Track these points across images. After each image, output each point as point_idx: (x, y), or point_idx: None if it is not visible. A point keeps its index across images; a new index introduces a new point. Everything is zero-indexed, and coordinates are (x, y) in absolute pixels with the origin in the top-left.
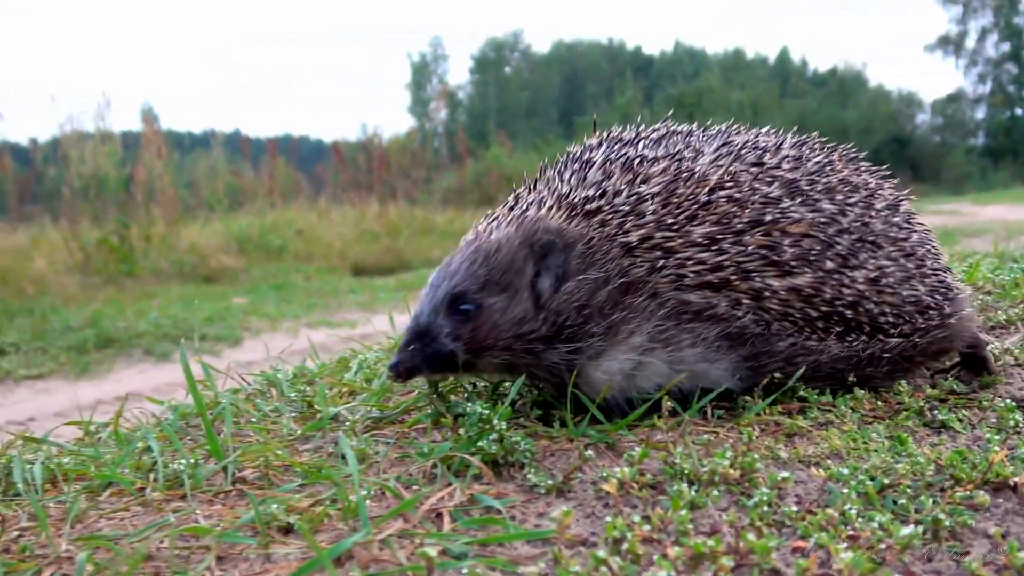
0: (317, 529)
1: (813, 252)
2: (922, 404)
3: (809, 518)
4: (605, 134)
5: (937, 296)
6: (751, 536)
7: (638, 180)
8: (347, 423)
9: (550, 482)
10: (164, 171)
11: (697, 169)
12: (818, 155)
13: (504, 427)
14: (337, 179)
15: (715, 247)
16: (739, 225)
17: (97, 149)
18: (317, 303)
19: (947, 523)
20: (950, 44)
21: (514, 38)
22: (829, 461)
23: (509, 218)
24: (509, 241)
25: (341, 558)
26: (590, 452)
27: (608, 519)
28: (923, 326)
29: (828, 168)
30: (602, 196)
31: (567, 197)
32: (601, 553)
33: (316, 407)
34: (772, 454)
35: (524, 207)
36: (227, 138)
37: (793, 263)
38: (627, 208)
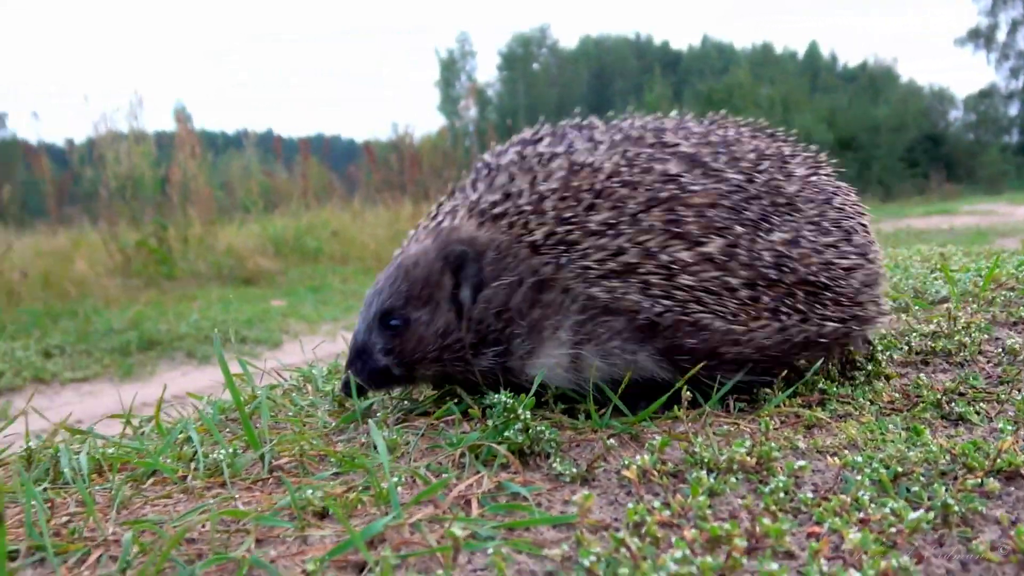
0: (351, 514)
1: (719, 220)
2: (940, 397)
3: (824, 504)
4: (514, 137)
5: (870, 281)
6: (766, 520)
7: (538, 178)
8: (379, 415)
9: (575, 470)
10: (199, 172)
11: (593, 160)
12: (727, 130)
13: (529, 417)
14: (370, 179)
15: (612, 231)
16: (633, 206)
17: (132, 149)
18: (354, 305)
19: (957, 509)
20: (980, 37)
21: (541, 33)
22: (846, 451)
23: (428, 230)
24: (426, 254)
25: (374, 540)
26: (613, 442)
27: (629, 505)
28: (860, 312)
29: (736, 140)
30: (507, 198)
31: (477, 204)
32: (621, 535)
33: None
34: (790, 444)
35: (440, 218)
36: (259, 138)
37: (698, 233)
38: (529, 208)
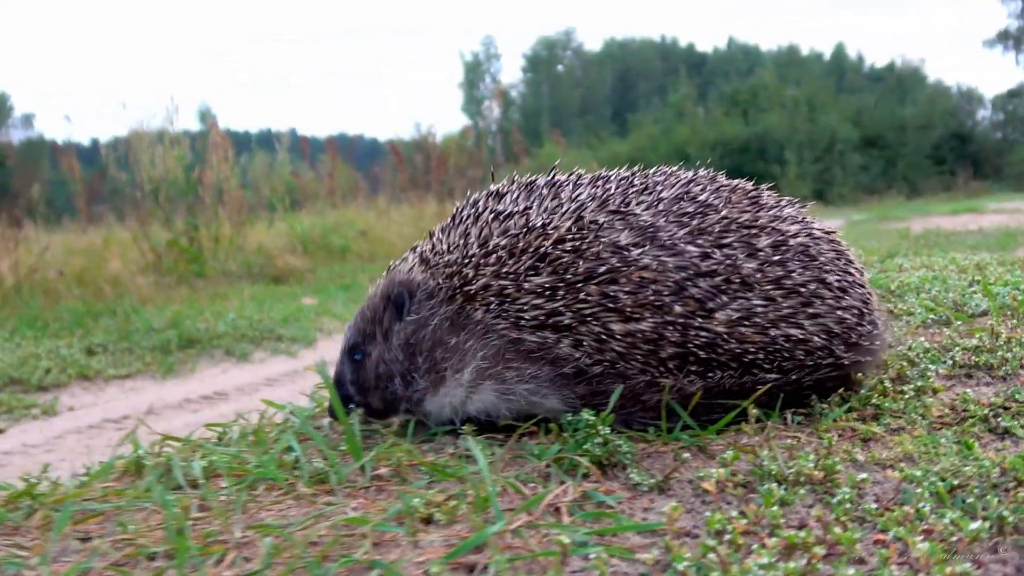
0: (453, 520)
1: (659, 298)
2: (986, 412)
3: (887, 515)
4: (484, 190)
5: (829, 336)
6: (837, 529)
7: (491, 234)
8: (464, 428)
9: (652, 481)
10: (231, 173)
11: (546, 222)
12: (708, 193)
13: (608, 432)
14: (395, 179)
15: (550, 294)
16: (573, 275)
17: (167, 152)
18: None
19: (1011, 519)
20: (1010, 39)
21: (566, 36)
22: (903, 464)
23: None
24: (375, 295)
25: (479, 546)
26: (687, 455)
27: (708, 514)
28: (810, 363)
29: (708, 208)
30: (452, 249)
31: (430, 251)
32: (709, 542)
33: None
34: (850, 457)
35: (398, 263)
36: (276, 137)
37: (632, 309)
38: (472, 260)
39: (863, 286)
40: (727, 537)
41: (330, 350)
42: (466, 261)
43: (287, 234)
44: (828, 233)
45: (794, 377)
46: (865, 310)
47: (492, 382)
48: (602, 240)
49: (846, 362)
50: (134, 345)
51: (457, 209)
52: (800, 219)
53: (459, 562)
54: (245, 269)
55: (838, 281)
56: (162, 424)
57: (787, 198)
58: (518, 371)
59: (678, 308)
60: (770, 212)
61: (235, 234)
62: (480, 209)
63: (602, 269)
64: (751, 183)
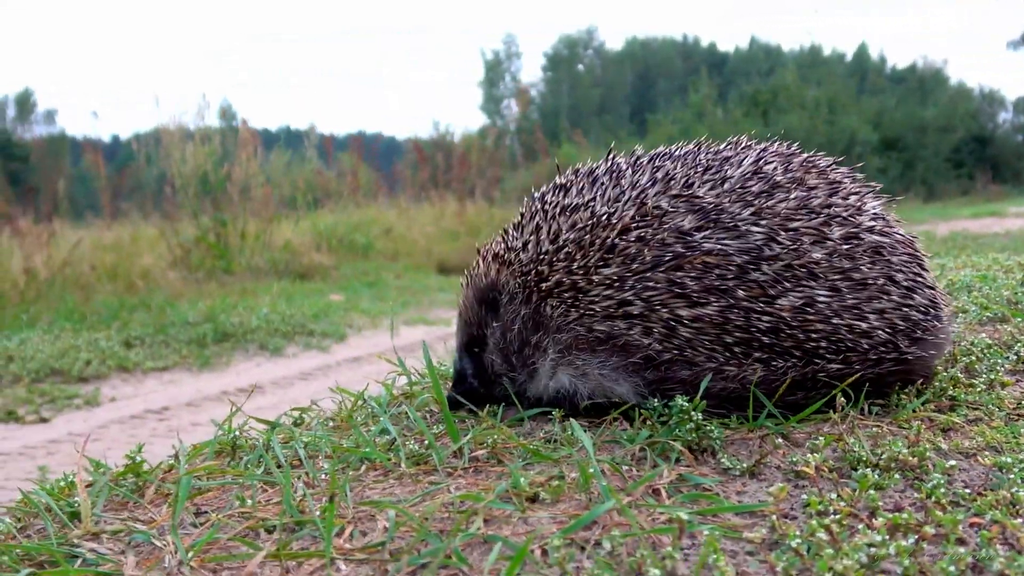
0: (558, 499)
1: (723, 282)
2: None
3: (980, 499)
4: (551, 182)
5: (894, 331)
6: (938, 512)
7: (560, 229)
8: (553, 413)
9: (743, 465)
10: (258, 170)
11: (611, 211)
12: (781, 174)
13: (700, 418)
14: (416, 177)
15: (619, 284)
16: (640, 264)
17: (197, 148)
18: (410, 300)
19: None
20: None
21: (588, 35)
22: (986, 452)
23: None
24: (469, 300)
25: (589, 523)
26: (780, 440)
27: (805, 496)
28: (874, 357)
29: (778, 188)
30: (525, 248)
31: (502, 251)
32: (814, 521)
33: None
34: (934, 445)
35: (476, 268)
36: (304, 135)
37: (697, 294)
38: (545, 257)
39: (932, 288)
40: (830, 518)
41: (361, 345)
42: (540, 258)
43: (311, 231)
44: (911, 238)
45: (857, 368)
46: (932, 309)
47: (571, 369)
48: (665, 227)
49: (910, 357)
50: (170, 338)
51: (526, 205)
52: (882, 215)
53: (571, 538)
54: (271, 265)
55: (908, 281)
56: (203, 416)
57: (873, 187)
58: (589, 360)
59: (741, 293)
60: (847, 201)
61: (262, 231)
62: (548, 204)
63: (667, 256)
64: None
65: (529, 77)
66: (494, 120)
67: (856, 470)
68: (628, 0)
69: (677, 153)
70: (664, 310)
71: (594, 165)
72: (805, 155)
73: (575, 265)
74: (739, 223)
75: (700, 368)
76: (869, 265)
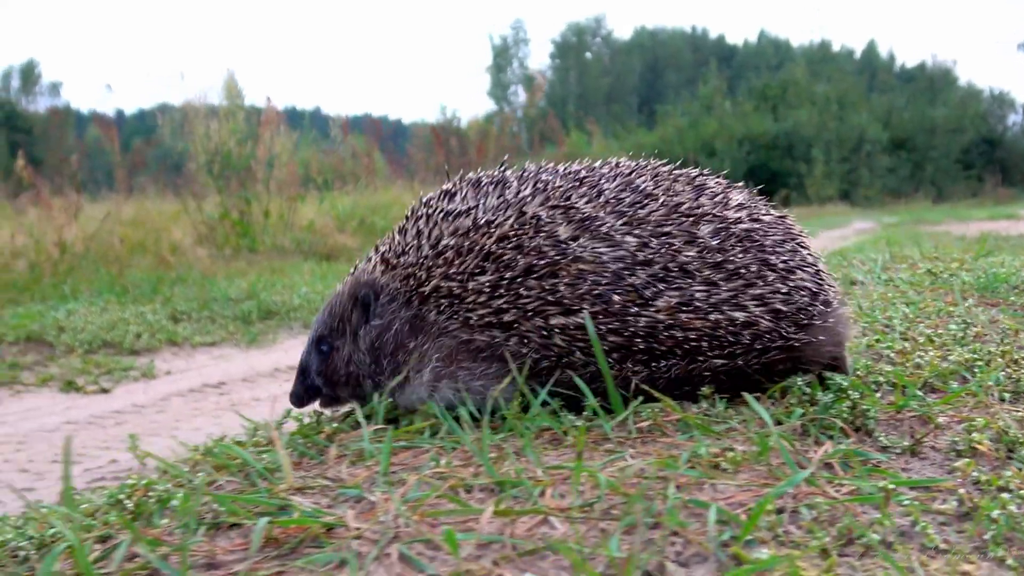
0: (738, 469)
1: (595, 287)
2: None
3: None
4: (437, 189)
5: (777, 317)
6: None
7: (441, 234)
8: (704, 389)
9: (905, 443)
10: (282, 149)
11: (491, 219)
12: (650, 183)
13: (858, 396)
14: (431, 161)
15: (493, 292)
16: (514, 272)
17: (222, 125)
18: None
19: None
20: None
21: (596, 23)
22: None
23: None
24: (342, 293)
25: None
26: (942, 419)
27: (975, 473)
28: (758, 347)
29: (648, 198)
30: (406, 252)
31: (387, 252)
32: (1005, 496)
33: None
34: None
35: (362, 261)
36: (310, 116)
37: (571, 301)
38: (424, 262)
39: (815, 267)
40: (1012, 493)
41: None
42: (419, 263)
43: (330, 213)
44: (780, 218)
45: (740, 362)
46: (817, 290)
47: (449, 381)
48: (542, 233)
49: (796, 344)
50: (215, 314)
51: (411, 209)
52: (747, 205)
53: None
54: (296, 245)
55: (784, 263)
56: (260, 391)
57: (736, 185)
58: (470, 370)
59: (616, 298)
60: (714, 199)
61: (286, 210)
62: (432, 208)
63: (541, 263)
64: (704, 171)
65: (537, 64)
66: (501, 106)
67: (1013, 452)
68: None
69: (561, 169)
70: (538, 318)
71: (481, 174)
72: (674, 168)
73: (452, 271)
74: (613, 232)
75: (580, 372)
76: (741, 254)
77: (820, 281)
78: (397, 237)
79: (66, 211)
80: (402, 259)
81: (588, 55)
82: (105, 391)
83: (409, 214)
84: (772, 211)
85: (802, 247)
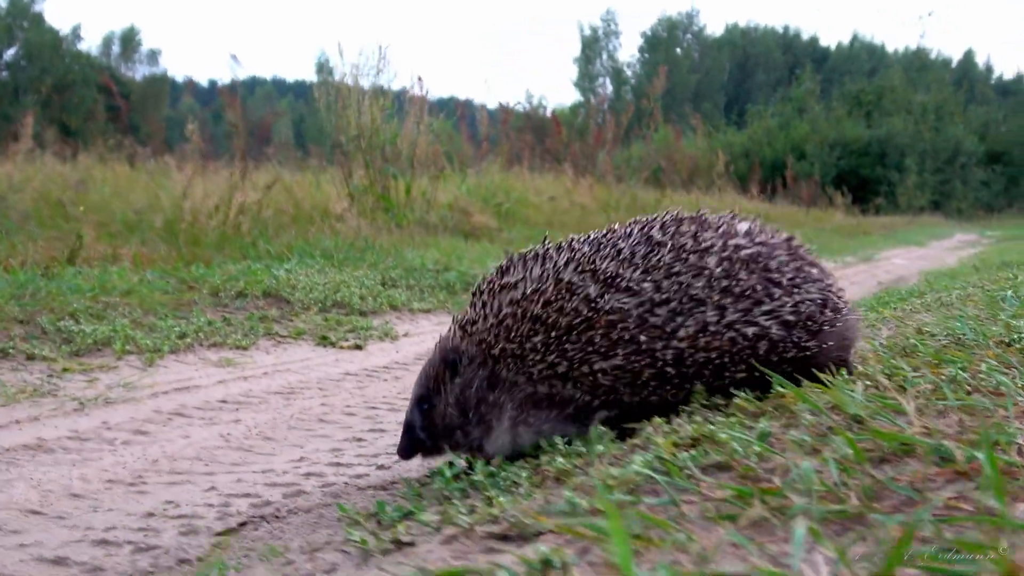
0: None
1: (625, 333)
2: None
3: None
4: (506, 260)
5: (788, 327)
6: None
7: (501, 305)
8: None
9: None
10: (426, 130)
11: (537, 288)
12: (659, 232)
13: None
14: (539, 148)
15: (545, 349)
16: (559, 331)
17: (372, 103)
18: None
19: None
20: None
21: (688, 18)
22: None
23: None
24: (434, 359)
25: None
26: None
27: None
28: (775, 359)
29: (658, 246)
30: (476, 321)
31: (464, 322)
32: None
33: None
34: None
35: (450, 326)
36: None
37: (607, 347)
38: (491, 328)
39: (823, 281)
40: None
41: None
42: (487, 330)
43: (476, 193)
44: (788, 240)
45: (757, 371)
46: (824, 300)
47: (524, 427)
48: (576, 295)
49: (810, 349)
50: (421, 284)
51: (477, 286)
52: (752, 233)
53: None
54: (440, 222)
55: (790, 280)
56: None
57: (741, 216)
58: (539, 416)
59: (643, 338)
60: (718, 231)
61: (428, 187)
62: (493, 283)
63: (578, 320)
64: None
65: (624, 57)
66: (587, 97)
67: None
68: None
69: (589, 237)
70: (584, 366)
71: (527, 251)
72: (680, 214)
73: (512, 335)
74: (632, 284)
75: (626, 404)
76: (746, 276)
77: (827, 292)
78: (469, 309)
79: (230, 177)
80: (475, 327)
81: (678, 50)
82: (359, 347)
83: (475, 290)
84: (777, 235)
85: (807, 264)
